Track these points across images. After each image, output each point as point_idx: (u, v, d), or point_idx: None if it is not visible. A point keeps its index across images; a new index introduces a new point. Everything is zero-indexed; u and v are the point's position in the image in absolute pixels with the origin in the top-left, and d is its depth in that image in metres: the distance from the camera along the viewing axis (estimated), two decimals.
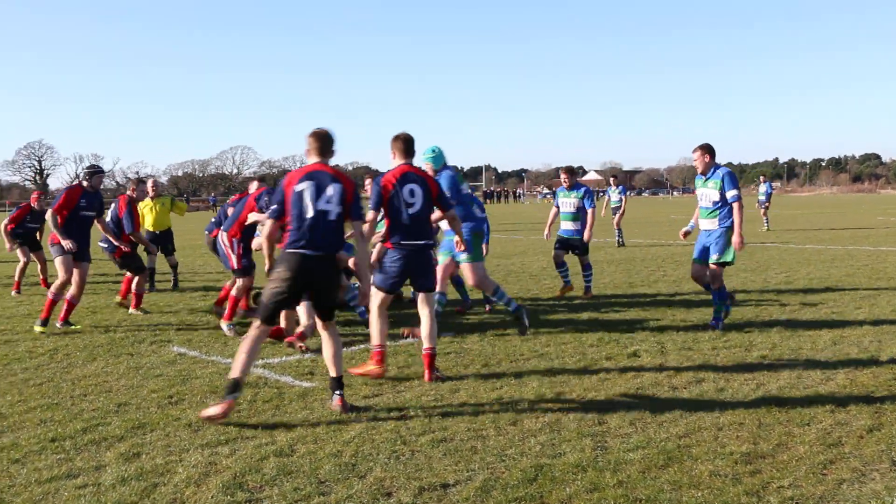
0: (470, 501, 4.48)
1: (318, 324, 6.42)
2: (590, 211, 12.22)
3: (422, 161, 8.41)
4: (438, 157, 8.51)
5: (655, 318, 10.22)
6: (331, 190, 6.18)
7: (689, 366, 7.57)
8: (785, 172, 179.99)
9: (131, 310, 11.46)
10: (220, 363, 8.03)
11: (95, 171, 10.09)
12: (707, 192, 9.15)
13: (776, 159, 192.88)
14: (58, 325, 9.95)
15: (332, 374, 6.29)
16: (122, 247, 11.10)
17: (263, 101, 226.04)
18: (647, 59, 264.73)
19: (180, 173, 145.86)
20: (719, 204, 9.05)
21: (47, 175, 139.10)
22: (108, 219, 11.25)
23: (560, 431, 5.67)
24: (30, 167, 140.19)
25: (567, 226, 12.45)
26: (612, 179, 24.67)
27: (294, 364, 7.89)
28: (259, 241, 8.61)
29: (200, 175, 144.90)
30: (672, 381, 7.01)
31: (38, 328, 9.86)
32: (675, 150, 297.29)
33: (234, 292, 9.68)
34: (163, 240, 14.60)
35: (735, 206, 8.96)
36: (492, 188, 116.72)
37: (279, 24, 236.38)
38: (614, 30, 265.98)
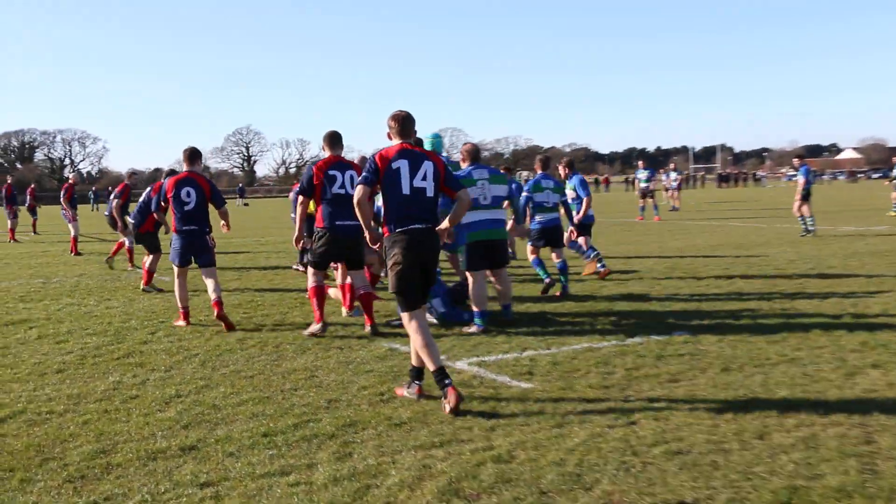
0: None
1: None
2: (585, 199, 14.15)
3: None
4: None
5: None
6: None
7: None
8: None
9: (143, 286, 14.08)
10: None
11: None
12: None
13: None
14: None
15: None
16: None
17: (476, 82, 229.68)
18: None
19: None
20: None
21: (254, 161, 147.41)
22: (140, 201, 14.85)
23: (818, 449, 5.35)
24: (238, 154, 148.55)
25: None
26: (794, 160, 22.87)
27: (511, 363, 7.95)
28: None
29: None
30: None
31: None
32: None
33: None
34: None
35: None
36: (727, 170, 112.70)
37: (495, 14, 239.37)
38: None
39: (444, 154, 12.89)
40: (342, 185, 9.66)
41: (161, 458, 5.55)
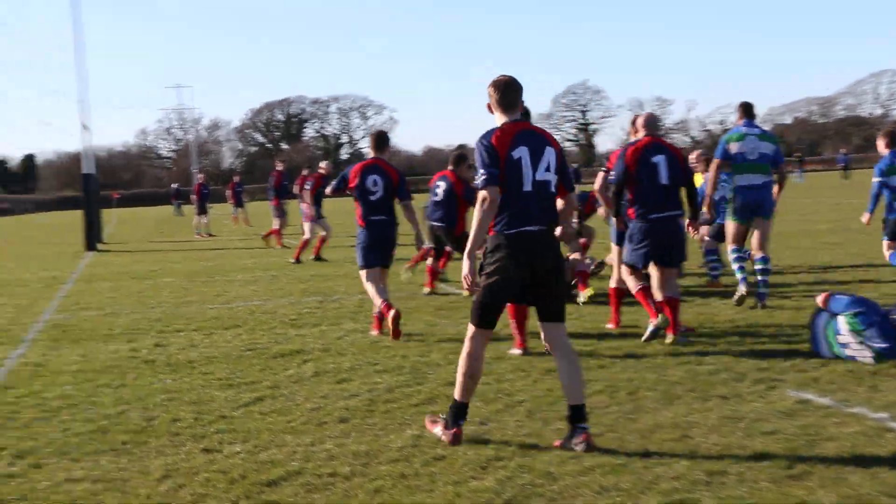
0: None
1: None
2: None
3: None
4: None
5: None
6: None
7: None
8: None
9: (427, 289, 17.23)
10: (868, 418, 7.80)
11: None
12: None
13: None
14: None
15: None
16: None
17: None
18: None
19: (788, 120, 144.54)
20: None
21: (594, 131, 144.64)
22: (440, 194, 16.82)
23: None
24: (571, 121, 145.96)
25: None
26: None
27: None
28: None
29: (822, 122, 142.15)
30: None
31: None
32: None
33: None
34: None
35: None
36: None
37: None
38: None
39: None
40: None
41: None
